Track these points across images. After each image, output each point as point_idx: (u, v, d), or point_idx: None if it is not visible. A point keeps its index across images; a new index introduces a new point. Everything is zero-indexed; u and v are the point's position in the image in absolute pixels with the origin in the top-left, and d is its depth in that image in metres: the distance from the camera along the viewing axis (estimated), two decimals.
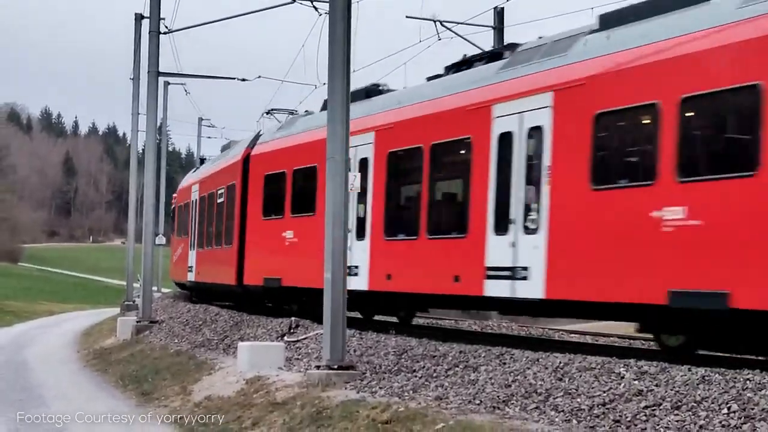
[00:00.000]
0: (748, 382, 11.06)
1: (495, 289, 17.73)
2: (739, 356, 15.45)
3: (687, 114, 14.36)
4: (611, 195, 15.48)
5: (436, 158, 19.61)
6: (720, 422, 9.95)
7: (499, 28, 33.47)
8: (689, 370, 12.12)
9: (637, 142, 15.68)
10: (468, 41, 32.98)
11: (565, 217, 16.33)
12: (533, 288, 16.78)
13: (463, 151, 19.13)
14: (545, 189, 16.67)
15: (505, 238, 17.46)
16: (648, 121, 15.12)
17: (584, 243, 15.92)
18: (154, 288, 42.12)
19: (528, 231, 17.06)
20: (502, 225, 17.62)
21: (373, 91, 21.65)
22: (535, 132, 17.03)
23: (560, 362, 13.57)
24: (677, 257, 14.18)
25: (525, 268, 17.00)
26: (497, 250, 17.76)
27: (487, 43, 33.24)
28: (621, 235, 15.12)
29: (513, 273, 17.26)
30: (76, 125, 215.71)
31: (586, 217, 15.89)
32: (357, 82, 22.24)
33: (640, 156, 15.45)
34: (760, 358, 14.66)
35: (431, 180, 19.49)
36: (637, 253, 14.84)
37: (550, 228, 16.52)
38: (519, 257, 17.18)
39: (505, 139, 17.68)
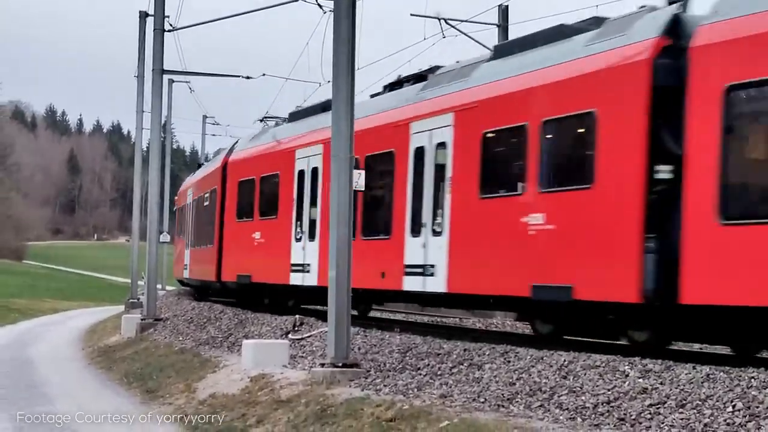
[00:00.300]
0: (752, 380, 11.07)
1: (411, 284, 20.42)
2: (742, 356, 15.44)
3: (546, 135, 17.01)
4: (493, 203, 18.29)
5: (370, 169, 21.48)
6: (725, 420, 9.96)
7: (503, 25, 33.48)
8: (694, 368, 12.13)
9: (511, 157, 18.26)
10: (472, 39, 32.97)
11: (461, 221, 19.04)
12: (438, 283, 19.46)
13: (388, 163, 21.73)
14: (447, 197, 19.43)
15: (418, 240, 20.14)
16: (518, 140, 17.71)
17: (475, 244, 18.59)
18: (159, 286, 42.18)
19: (435, 233, 19.70)
20: (416, 228, 20.30)
21: (328, 105, 22.78)
22: (441, 147, 19.75)
23: (565, 360, 13.58)
24: (537, 256, 16.82)
25: (432, 266, 19.62)
26: (413, 250, 20.51)
27: (492, 40, 33.24)
28: (500, 237, 17.88)
29: (424, 270, 19.87)
30: (80, 123, 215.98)
31: (476, 222, 18.63)
32: (361, 80, 22.55)
33: (513, 170, 18.01)
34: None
35: (366, 188, 20.44)
36: (511, 253, 17.55)
37: (451, 231, 19.23)
38: (428, 256, 19.81)
39: (419, 152, 20.39)
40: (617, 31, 16.18)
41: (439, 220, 19.70)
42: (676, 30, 15.02)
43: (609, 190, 15.50)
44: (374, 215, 22.64)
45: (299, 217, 25.79)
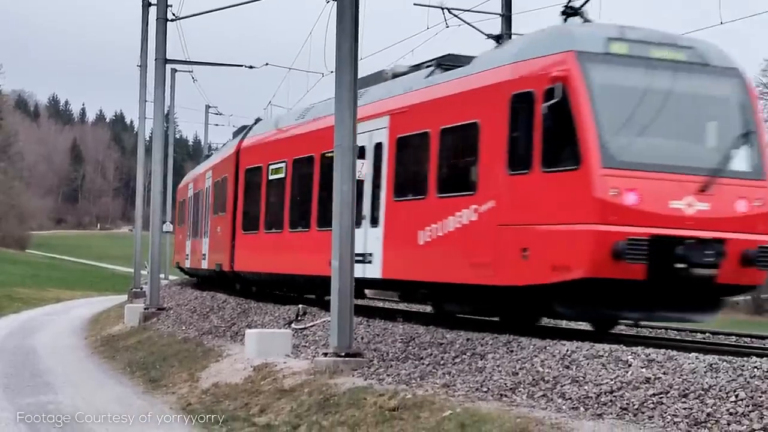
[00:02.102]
0: (755, 369, 11.06)
1: (355, 271, 19.66)
2: (744, 345, 15.43)
3: (442, 146, 19.01)
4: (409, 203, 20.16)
5: (324, 166, 23.34)
6: (727, 410, 9.95)
7: (506, 15, 33.40)
8: (697, 358, 12.13)
9: (418, 161, 20.02)
10: (476, 28, 32.88)
11: (391, 216, 20.66)
12: (375, 270, 20.95)
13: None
14: (383, 192, 20.93)
15: (360, 231, 20.47)
16: (424, 146, 19.57)
17: (399, 238, 20.21)
18: (162, 275, 42.19)
19: (373, 225, 21.20)
20: (359, 222, 20.52)
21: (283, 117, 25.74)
22: (378, 147, 21.30)
23: (568, 350, 13.57)
24: (444, 251, 18.51)
25: (371, 254, 21.15)
26: (356, 240, 20.14)
27: (495, 29, 33.18)
28: (411, 234, 19.47)
29: (364, 258, 21.14)
30: (83, 112, 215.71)
31: (397, 217, 20.43)
32: (365, 70, 22.64)
33: (417, 173, 19.99)
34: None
35: (321, 182, 23.59)
36: (424, 248, 19.16)
37: (385, 223, 20.76)
38: (367, 246, 21.19)
39: (361, 152, 20.54)
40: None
41: (376, 213, 21.22)
42: None
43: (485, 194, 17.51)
44: (327, 208, 22.26)
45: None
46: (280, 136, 28.06)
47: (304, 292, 27.11)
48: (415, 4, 31.75)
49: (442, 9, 31.82)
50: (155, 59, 31.99)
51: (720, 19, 26.03)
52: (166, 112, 37.80)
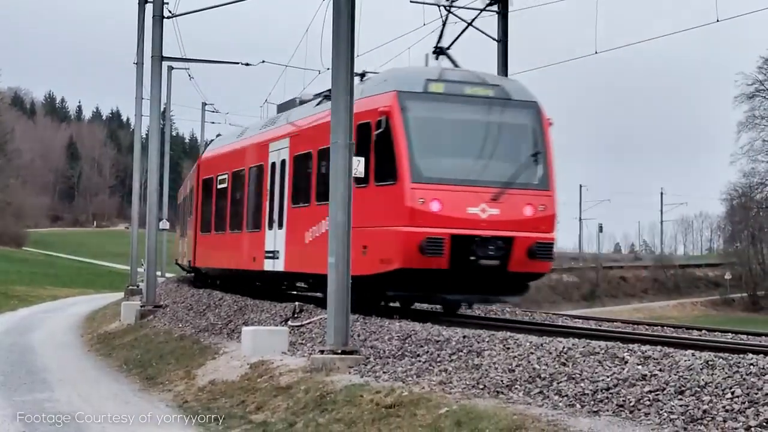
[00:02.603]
0: (752, 366, 11.07)
1: (268, 265, 26.16)
2: (740, 342, 15.44)
3: (319, 163, 22.83)
4: (300, 210, 24.18)
5: (251, 178, 28.43)
6: (723, 407, 9.96)
7: (503, 12, 33.40)
8: (693, 355, 12.14)
9: (308, 175, 24.06)
10: (472, 26, 32.90)
11: (290, 220, 24.69)
12: (280, 264, 25.09)
13: (261, 173, 27.45)
14: (286, 200, 25.08)
15: (271, 232, 25.84)
16: (309, 162, 23.82)
17: (295, 237, 24.13)
18: (158, 273, 42.19)
19: (279, 228, 25.32)
20: (270, 224, 26.03)
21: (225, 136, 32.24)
22: (283, 163, 25.52)
23: (564, 347, 13.58)
24: (314, 249, 22.28)
25: (278, 251, 25.26)
26: (269, 240, 26.17)
27: (492, 27, 33.17)
28: (301, 234, 23.54)
29: (274, 255, 25.52)
30: (79, 110, 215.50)
31: (293, 221, 24.48)
32: (361, 67, 22.92)
33: (306, 184, 24.11)
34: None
35: (249, 191, 28.52)
36: (308, 246, 23.11)
37: (286, 226, 24.87)
38: (276, 245, 25.42)
39: (273, 166, 26.19)
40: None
41: (282, 218, 25.35)
42: None
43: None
44: (254, 213, 28.14)
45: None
46: (225, 151, 33.06)
47: (243, 283, 30.76)
48: (411, 1, 31.73)
49: (439, 6, 31.83)
50: (151, 57, 31.97)
51: (716, 17, 25.94)
52: (162, 109, 37.75)
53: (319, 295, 23.82)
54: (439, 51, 23.29)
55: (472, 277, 19.82)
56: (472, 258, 19.52)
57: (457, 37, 24.29)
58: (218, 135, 38.71)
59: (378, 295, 21.46)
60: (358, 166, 17.81)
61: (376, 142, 19.92)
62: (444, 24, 23.68)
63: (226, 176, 31.55)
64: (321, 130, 22.06)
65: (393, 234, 19.54)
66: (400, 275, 19.42)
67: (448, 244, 19.21)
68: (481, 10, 28.33)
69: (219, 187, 32.40)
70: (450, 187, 19.51)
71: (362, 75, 24.79)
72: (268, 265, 26.12)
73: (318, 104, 24.48)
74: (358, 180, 19.24)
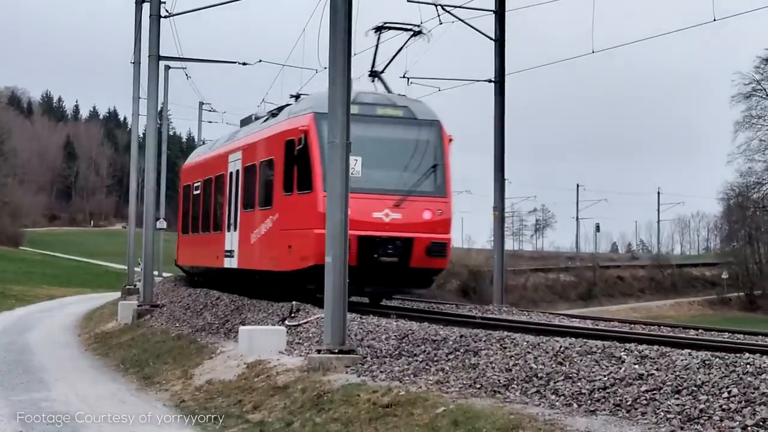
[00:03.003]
0: (748, 366, 11.09)
1: (227, 263, 29.56)
2: (737, 341, 15.45)
3: (261, 174, 26.60)
4: (248, 212, 27.64)
5: (216, 186, 32.01)
6: (720, 406, 9.97)
7: (499, 12, 33.41)
8: (689, 354, 12.16)
9: (252, 184, 27.43)
10: (469, 25, 32.91)
11: (242, 223, 28.20)
12: (234, 262, 28.65)
13: (222, 182, 30.84)
14: (239, 206, 28.58)
15: (229, 234, 29.35)
16: (254, 174, 27.17)
17: (244, 238, 27.66)
18: (155, 272, 42.15)
19: (234, 230, 28.79)
20: (228, 226, 29.58)
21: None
22: (237, 173, 29.01)
23: (561, 346, 13.59)
24: (260, 248, 26.21)
25: (233, 251, 28.78)
26: (227, 241, 29.55)
27: (489, 26, 33.18)
28: (248, 236, 27.19)
29: (230, 253, 29.02)
30: (76, 109, 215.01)
31: (244, 224, 27.96)
32: (358, 66, 22.87)
33: (254, 191, 27.20)
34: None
35: (214, 197, 32.26)
36: (254, 245, 26.78)
37: (239, 228, 28.34)
38: (232, 244, 28.96)
39: (231, 176, 29.74)
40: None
41: (236, 220, 28.79)
42: None
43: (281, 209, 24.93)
44: (218, 216, 31.57)
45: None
46: (199, 161, 36.57)
47: (215, 279, 33.17)
48: (408, 1, 31.73)
49: (436, 6, 31.82)
50: (148, 56, 31.93)
51: (713, 15, 25.98)
52: (159, 109, 37.69)
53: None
54: (373, 74, 26.75)
55: (378, 272, 22.95)
56: (376, 256, 22.83)
57: (391, 60, 27.36)
58: (204, 142, 41.80)
59: (300, 287, 23.82)
60: (356, 165, 17.84)
61: (297, 157, 23.30)
62: (376, 47, 26.53)
63: (199, 183, 34.92)
64: (262, 145, 26.67)
65: (308, 235, 22.65)
66: (316, 270, 20.49)
67: (355, 243, 21.71)
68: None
69: (194, 193, 35.76)
70: (358, 195, 21.04)
71: (297, 96, 28.24)
72: (227, 263, 29.60)
73: (264, 121, 28.17)
74: (286, 188, 24.08)
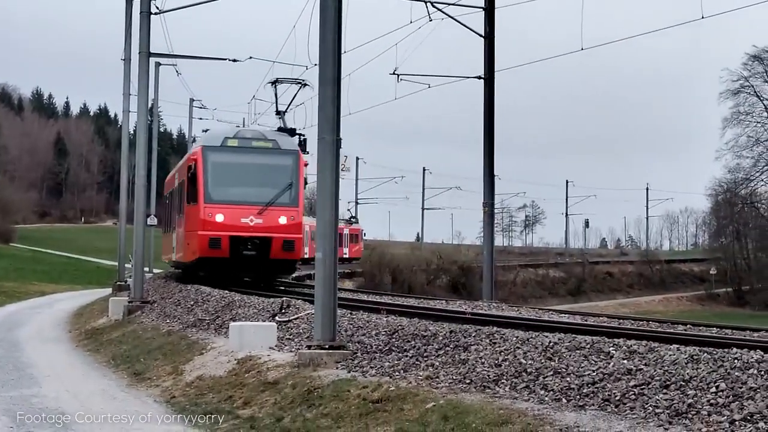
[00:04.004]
0: (736, 360, 11.14)
1: (174, 256, 37.61)
2: (725, 336, 15.50)
3: (180, 187, 34.93)
4: (179, 219, 35.82)
5: (174, 195, 38.31)
6: (708, 401, 10.03)
7: (489, 9, 33.46)
8: (678, 349, 12.21)
9: (181, 196, 35.04)
10: (459, 22, 32.96)
11: (178, 225, 35.84)
12: (176, 255, 36.63)
13: (176, 192, 37.44)
14: (178, 211, 35.71)
15: (174, 234, 36.86)
16: (182, 188, 34.38)
17: (178, 237, 35.59)
18: (146, 268, 42.16)
19: (175, 231, 35.93)
20: (174, 229, 36.92)
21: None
22: (178, 186, 35.98)
23: (550, 342, 13.65)
24: (179, 245, 34.61)
25: (175, 247, 36.76)
26: (174, 239, 37.21)
27: (478, 24, 33.22)
28: (180, 234, 35.41)
29: (175, 249, 36.77)
30: (67, 106, 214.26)
31: (178, 226, 36.13)
32: (348, 63, 22.90)
33: (181, 202, 34.85)
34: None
35: (174, 205, 38.75)
36: (177, 242, 35.73)
37: (176, 231, 35.59)
38: (174, 242, 36.90)
39: (175, 189, 37.30)
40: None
41: (178, 223, 36.36)
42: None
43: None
44: (174, 219, 38.40)
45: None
46: (170, 176, 43.06)
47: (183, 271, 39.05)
48: None
49: (426, 2, 31.88)
50: (139, 53, 31.96)
51: (701, 13, 26.08)
52: (150, 105, 37.71)
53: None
54: (279, 113, 35.77)
55: (246, 263, 31.26)
56: (244, 250, 30.90)
57: (290, 104, 36.30)
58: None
59: (195, 274, 33.32)
60: (345, 161, 17.98)
61: (191, 178, 31.72)
62: (276, 96, 35.80)
63: (169, 193, 41.95)
64: (182, 167, 35.13)
65: (196, 236, 31.39)
66: (203, 261, 31.88)
67: (227, 241, 30.80)
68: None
69: (166, 201, 44.10)
70: (230, 206, 30.99)
71: (206, 130, 38.51)
72: (174, 257, 38.77)
73: (192, 142, 39.72)
74: (188, 200, 32.33)
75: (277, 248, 30.81)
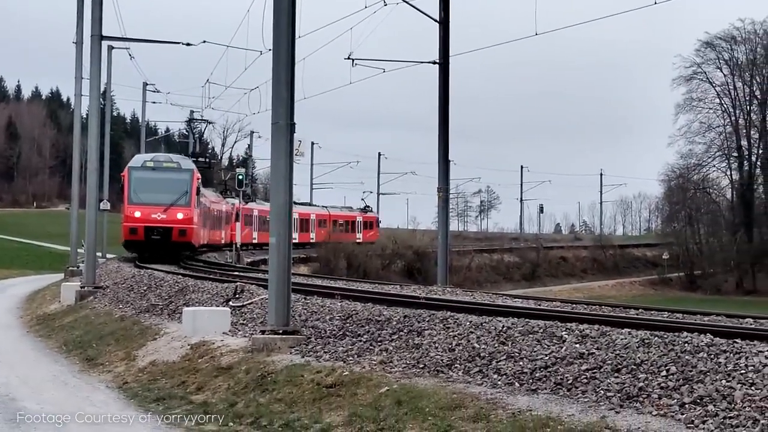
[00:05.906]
0: (686, 345, 11.25)
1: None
2: (675, 320, 15.62)
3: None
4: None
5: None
6: (659, 384, 10.12)
7: None
8: (629, 333, 12.32)
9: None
10: (413, 6, 32.96)
11: None
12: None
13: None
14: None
15: None
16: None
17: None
18: (99, 254, 41.89)
19: None
20: None
21: None
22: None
23: (503, 326, 13.71)
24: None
25: None
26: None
27: (434, 9, 33.24)
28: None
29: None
30: (18, 89, 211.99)
31: None
32: (302, 48, 22.78)
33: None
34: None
35: None
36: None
37: None
38: None
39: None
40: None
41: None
42: None
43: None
44: None
45: None
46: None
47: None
48: None
49: None
50: (91, 36, 31.65)
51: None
52: (102, 89, 37.40)
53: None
54: (193, 155, 52.26)
55: (155, 244, 42.58)
56: (154, 236, 42.36)
57: (201, 136, 52.92)
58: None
59: (130, 251, 45.42)
60: (299, 146, 17.95)
61: (122, 188, 43.49)
62: (191, 133, 53.81)
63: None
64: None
65: (124, 226, 42.97)
66: (127, 243, 43.95)
67: (142, 230, 42.34)
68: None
69: None
70: (145, 206, 42.52)
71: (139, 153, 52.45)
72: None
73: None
74: (127, 200, 42.66)
75: (176, 234, 42.77)
